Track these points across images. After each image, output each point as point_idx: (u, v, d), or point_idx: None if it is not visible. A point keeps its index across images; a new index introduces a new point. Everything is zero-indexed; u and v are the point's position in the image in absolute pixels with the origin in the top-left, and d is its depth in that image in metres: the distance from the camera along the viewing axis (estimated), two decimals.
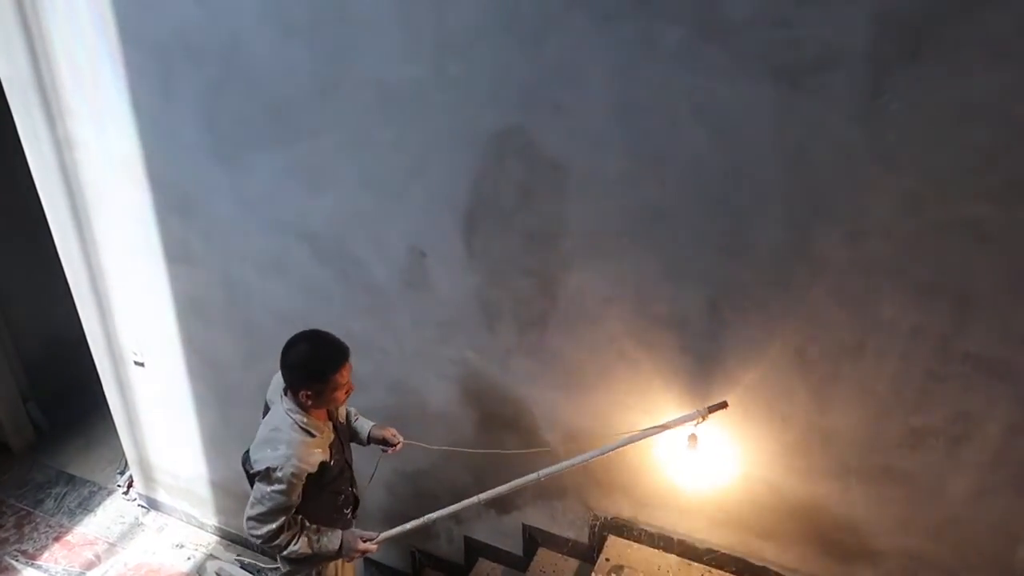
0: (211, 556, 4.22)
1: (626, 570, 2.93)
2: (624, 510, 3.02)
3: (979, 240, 1.99)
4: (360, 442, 2.77)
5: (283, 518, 2.38)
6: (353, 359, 3.18)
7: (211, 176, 3.02)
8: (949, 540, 2.48)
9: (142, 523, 4.47)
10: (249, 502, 2.40)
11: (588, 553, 3.15)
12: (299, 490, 2.36)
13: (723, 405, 2.49)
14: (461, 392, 3.05)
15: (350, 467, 2.65)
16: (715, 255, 2.32)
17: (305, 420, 2.39)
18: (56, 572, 4.12)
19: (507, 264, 2.65)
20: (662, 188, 2.29)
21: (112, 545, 4.31)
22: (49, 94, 3.18)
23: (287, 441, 2.35)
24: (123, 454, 4.44)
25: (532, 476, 2.57)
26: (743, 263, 2.30)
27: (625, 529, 3.05)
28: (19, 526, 4.42)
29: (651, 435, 2.54)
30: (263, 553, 4.04)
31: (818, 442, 2.48)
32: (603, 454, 2.55)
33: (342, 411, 2.68)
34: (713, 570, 2.92)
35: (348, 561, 2.68)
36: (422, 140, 2.56)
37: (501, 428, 3.04)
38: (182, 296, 3.47)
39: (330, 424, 2.52)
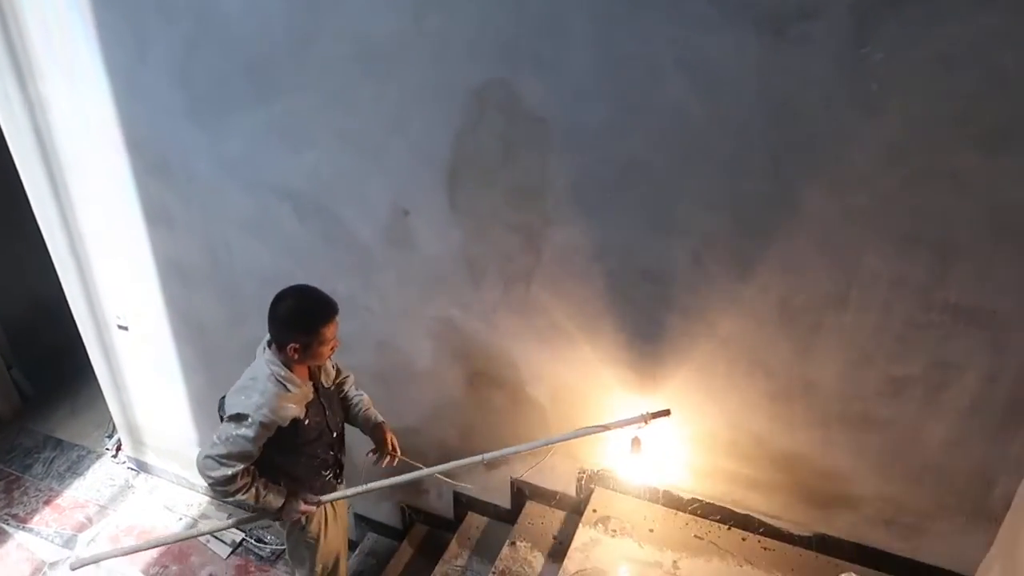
0: (202, 516, 4.26)
1: (613, 520, 2.99)
2: (611, 463, 3.07)
3: (960, 189, 2.00)
4: (363, 430, 2.79)
5: (241, 466, 2.39)
6: (339, 318, 3.21)
7: (188, 137, 2.97)
8: (927, 485, 2.54)
9: (132, 485, 4.49)
10: (211, 441, 2.41)
11: (576, 505, 3.21)
12: (262, 442, 2.39)
13: (665, 413, 2.62)
14: (447, 350, 3.06)
15: (332, 431, 2.66)
16: (699, 207, 2.32)
17: (283, 373, 2.41)
18: (48, 535, 4.15)
19: (491, 220, 2.64)
20: (645, 140, 2.27)
21: (103, 507, 4.33)
22: (19, 53, 3.10)
23: (261, 391, 2.38)
24: (110, 418, 4.45)
25: (476, 458, 2.65)
26: (727, 215, 2.30)
27: (611, 481, 3.10)
28: (8, 491, 4.43)
29: (594, 432, 2.65)
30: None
31: (800, 392, 2.52)
32: (546, 444, 2.69)
33: (327, 374, 2.68)
34: (698, 519, 2.98)
35: (288, 520, 2.66)
36: (402, 95, 2.52)
37: (488, 385, 3.06)
38: (163, 259, 3.44)
39: (310, 384, 2.53)
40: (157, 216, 3.29)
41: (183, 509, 4.30)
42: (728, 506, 2.92)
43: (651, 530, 2.95)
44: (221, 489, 2.44)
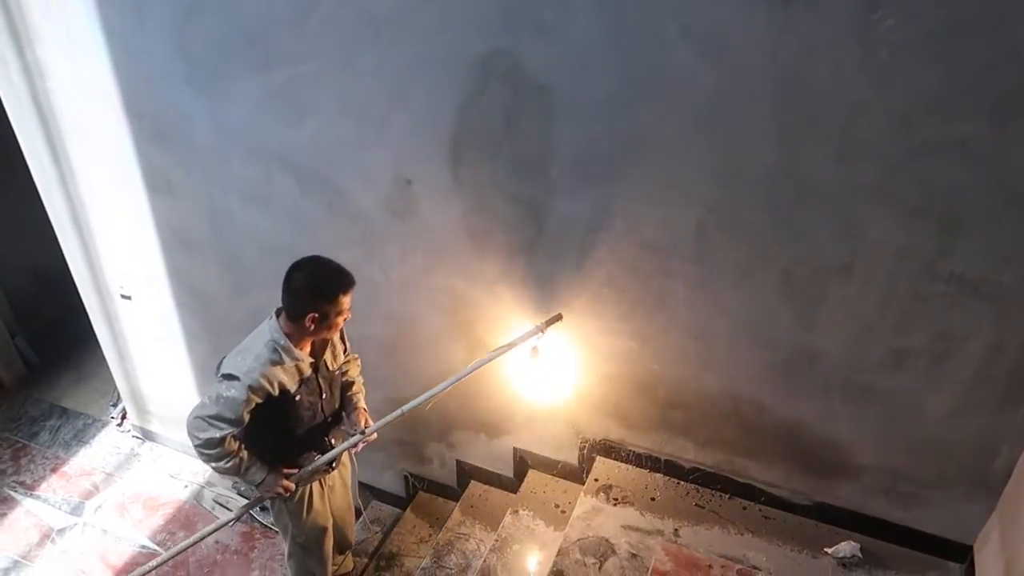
0: (207, 484, 4.30)
1: (614, 489, 3.01)
2: (612, 432, 3.08)
3: (967, 160, 1.97)
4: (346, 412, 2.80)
5: (228, 431, 2.40)
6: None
7: (189, 104, 2.94)
8: (928, 455, 2.55)
9: (138, 454, 4.53)
10: (200, 402, 2.43)
11: (577, 474, 3.23)
12: (251, 407, 2.39)
13: (558, 317, 2.70)
14: (450, 320, 3.06)
15: (326, 416, 2.68)
16: (703, 177, 2.30)
17: (282, 343, 2.41)
18: (55, 502, 4.19)
19: (493, 190, 2.62)
20: (650, 110, 2.25)
21: (109, 475, 4.37)
22: (15, 17, 3.06)
23: (256, 355, 2.39)
24: (115, 387, 4.47)
25: (396, 412, 2.68)
26: (731, 185, 2.28)
27: (613, 450, 3.11)
28: (15, 458, 4.47)
29: (501, 354, 2.69)
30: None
31: (803, 363, 2.52)
32: (458, 380, 2.69)
33: (335, 356, 2.67)
34: (699, 488, 3.00)
35: (267, 496, 2.70)
36: (405, 65, 2.49)
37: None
38: (165, 228, 3.43)
39: (309, 361, 2.51)
40: (158, 184, 3.27)
41: (188, 477, 4.34)
42: (729, 475, 2.94)
43: (652, 499, 2.97)
44: (207, 452, 2.45)
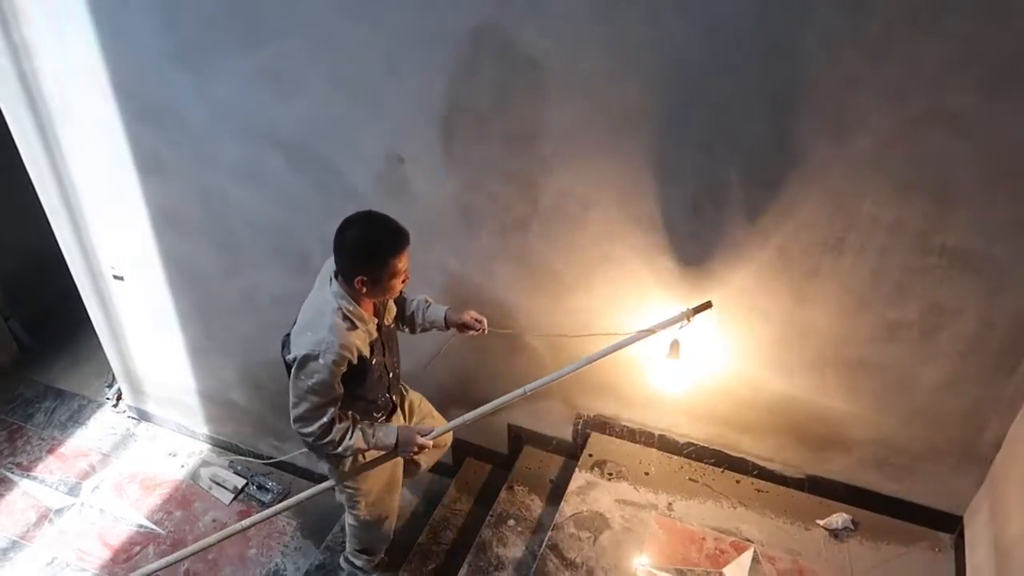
0: (204, 463, 4.31)
1: (609, 464, 3.04)
2: (607, 408, 3.10)
3: (959, 133, 1.97)
4: (439, 327, 2.59)
5: (331, 410, 2.28)
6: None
7: (177, 83, 2.91)
8: (919, 427, 2.57)
9: (134, 434, 4.54)
10: (291, 401, 2.30)
11: (572, 450, 3.25)
12: (339, 378, 2.26)
13: (707, 305, 2.49)
14: (445, 299, 3.05)
15: (389, 372, 2.53)
16: (698, 153, 2.29)
17: (351, 308, 2.25)
18: (52, 482, 4.20)
19: (487, 168, 2.61)
20: (643, 85, 2.23)
21: (106, 456, 4.38)
22: None
23: (330, 326, 2.21)
24: (110, 368, 4.47)
25: (518, 392, 2.55)
26: (725, 161, 2.27)
27: (607, 426, 3.13)
28: (11, 440, 4.48)
29: (639, 339, 2.52)
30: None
31: (796, 337, 2.53)
32: (591, 362, 2.52)
33: (390, 311, 2.50)
34: (692, 462, 3.03)
35: (405, 458, 2.59)
36: (395, 40, 2.47)
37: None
38: (156, 208, 3.40)
39: (375, 321, 2.36)
40: (148, 164, 3.25)
41: (184, 457, 4.36)
42: (722, 449, 2.97)
43: (646, 473, 3.00)
44: (324, 443, 2.32)
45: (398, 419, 2.71)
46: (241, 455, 4.33)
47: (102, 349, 4.33)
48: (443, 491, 3.50)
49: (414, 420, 2.81)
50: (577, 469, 3.04)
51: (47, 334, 5.19)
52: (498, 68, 2.37)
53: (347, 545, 3.07)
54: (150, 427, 4.58)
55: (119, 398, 4.66)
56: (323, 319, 2.23)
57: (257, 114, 2.86)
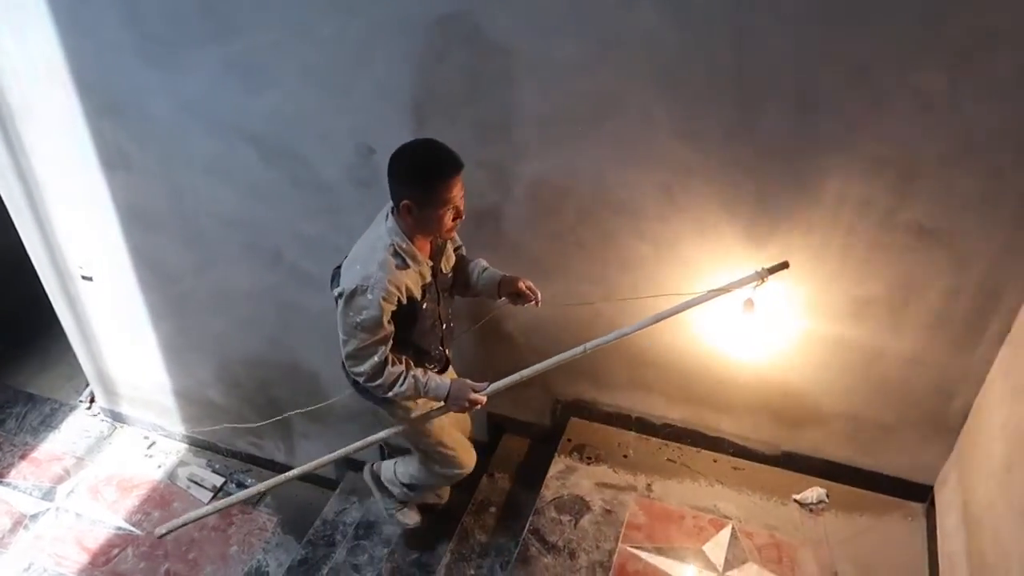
0: (182, 463, 4.27)
1: (587, 448, 3.06)
2: (585, 393, 3.13)
3: (924, 109, 2.01)
4: (490, 293, 2.48)
5: (382, 349, 2.20)
6: (307, 261, 3.18)
7: (141, 77, 2.87)
8: (889, 400, 2.63)
9: (108, 436, 4.48)
10: (341, 338, 2.24)
11: (551, 435, 3.27)
12: (389, 316, 2.17)
13: (784, 265, 2.35)
14: None
15: (443, 324, 2.45)
16: (668, 139, 2.31)
17: (404, 246, 2.16)
18: (26, 488, 4.14)
19: (459, 155, 2.61)
20: (615, 71, 2.25)
21: (80, 459, 4.33)
22: None
23: (380, 262, 2.13)
24: (82, 370, 4.40)
25: (578, 349, 2.41)
26: (696, 146, 2.30)
27: (585, 410, 3.16)
28: None
29: (715, 297, 2.36)
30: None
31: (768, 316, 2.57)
32: (660, 320, 2.38)
33: (448, 259, 2.40)
34: (670, 443, 3.07)
35: (456, 411, 2.47)
36: (364, 30, 2.45)
37: (464, 320, 3.07)
38: (124, 205, 3.36)
39: (430, 264, 2.27)
40: (114, 161, 3.20)
41: (161, 457, 4.32)
42: (699, 429, 3.01)
43: (625, 456, 3.03)
44: (375, 385, 2.25)
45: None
46: (221, 453, 4.30)
47: (72, 352, 4.27)
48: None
49: None
50: (556, 454, 3.06)
51: (15, 338, 5.09)
52: (469, 56, 2.37)
53: (385, 470, 2.92)
54: (125, 428, 4.52)
55: (92, 400, 4.60)
56: (374, 254, 2.15)
57: (225, 108, 2.83)
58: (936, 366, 2.48)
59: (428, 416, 2.50)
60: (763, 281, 2.33)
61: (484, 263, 2.51)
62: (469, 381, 2.37)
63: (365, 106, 2.62)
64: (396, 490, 2.94)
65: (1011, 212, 2.11)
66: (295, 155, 2.85)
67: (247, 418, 3.96)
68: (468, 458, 2.73)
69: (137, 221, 3.39)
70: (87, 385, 4.55)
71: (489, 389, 2.39)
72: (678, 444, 3.06)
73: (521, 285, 2.41)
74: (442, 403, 2.39)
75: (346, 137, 2.73)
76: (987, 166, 2.05)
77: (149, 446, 4.37)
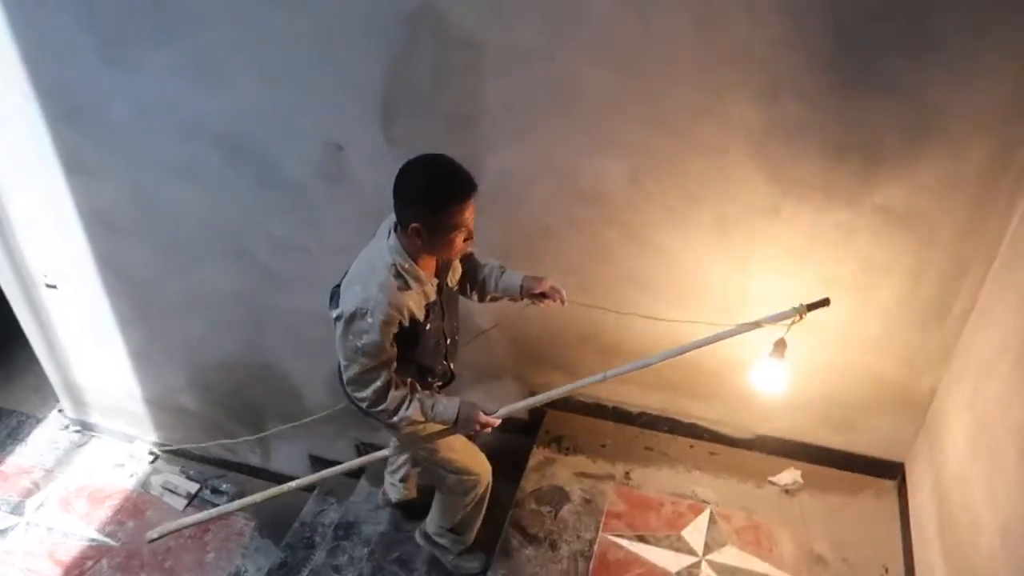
0: (155, 471, 4.21)
1: (565, 439, 3.08)
2: (560, 383, 3.12)
3: (886, 93, 2.04)
4: (511, 296, 2.35)
5: (384, 373, 2.09)
6: (277, 262, 3.14)
7: (100, 79, 2.81)
8: (859, 380, 2.67)
9: (77, 447, 4.40)
10: (341, 363, 2.13)
11: (529, 428, 3.28)
12: (390, 339, 2.05)
13: (826, 302, 2.24)
14: None
15: (447, 339, 2.32)
16: (634, 125, 2.33)
17: (406, 266, 2.03)
18: None
19: (428, 149, 2.59)
20: (579, 59, 2.25)
21: (49, 471, 4.24)
22: None
23: (380, 284, 2.00)
24: (48, 381, 4.32)
25: (597, 376, 2.38)
26: (661, 131, 2.31)
27: (562, 402, 3.17)
28: None
29: (747, 331, 2.28)
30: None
31: (737, 301, 2.60)
32: (682, 353, 2.33)
33: (454, 271, 2.29)
34: (646, 431, 3.09)
35: (464, 435, 2.37)
36: (327, 25, 2.43)
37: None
38: (87, 210, 3.30)
39: (435, 283, 2.15)
40: (75, 166, 3.14)
41: (133, 466, 4.25)
42: (675, 416, 3.04)
43: (603, 445, 3.05)
44: (378, 410, 2.14)
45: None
46: (194, 460, 4.24)
47: (38, 362, 4.18)
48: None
49: None
50: (535, 446, 3.07)
51: None
52: (434, 48, 2.36)
53: (430, 524, 2.78)
54: (95, 438, 4.44)
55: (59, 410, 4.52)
56: (374, 275, 2.02)
57: (188, 109, 2.79)
58: (903, 345, 2.53)
59: (432, 437, 2.36)
60: (801, 318, 2.20)
61: (499, 264, 2.38)
62: (479, 404, 2.25)
63: (331, 102, 2.60)
64: (447, 541, 2.77)
65: (970, 195, 2.15)
66: (261, 154, 2.82)
67: (221, 423, 3.92)
68: (476, 464, 2.55)
69: (102, 227, 3.33)
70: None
71: (501, 412, 2.30)
72: (654, 432, 3.09)
73: (546, 286, 2.30)
74: (451, 426, 2.26)
75: (313, 135, 2.70)
76: (948, 149, 2.09)
77: (120, 464, 4.29)
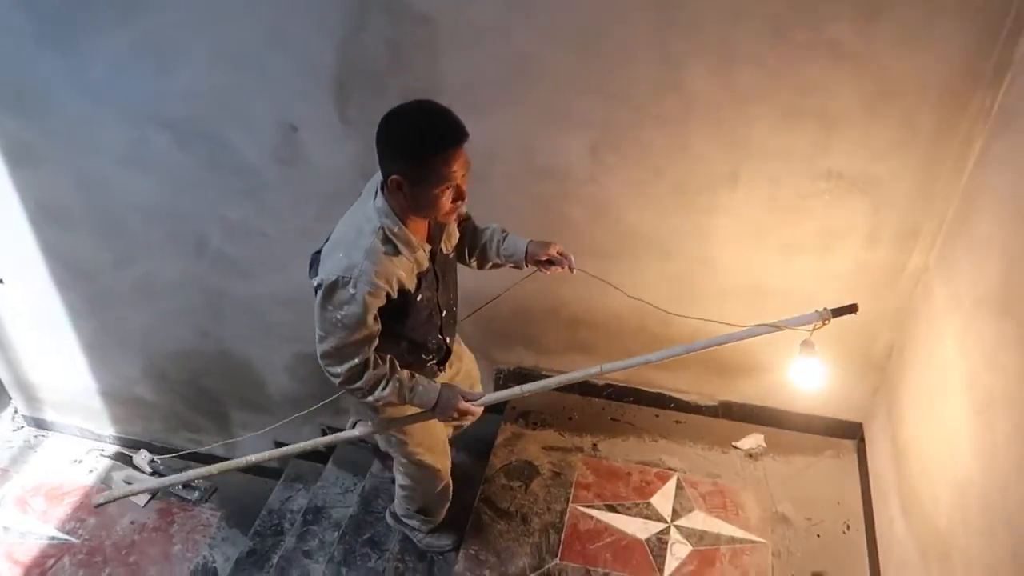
0: (115, 467, 4.13)
1: (532, 414, 3.09)
2: (525, 360, 3.15)
3: (839, 59, 2.07)
4: (515, 263, 2.19)
5: (364, 350, 1.91)
6: (232, 247, 3.08)
7: (42, 64, 2.71)
8: (819, 342, 2.72)
9: (33, 445, 4.29)
10: (317, 333, 1.93)
11: (496, 406, 3.28)
12: (375, 312, 1.88)
13: (853, 308, 2.14)
14: None
15: (442, 311, 2.13)
16: (592, 99, 2.33)
17: (396, 229, 1.84)
18: None
19: None
20: (536, 34, 2.24)
21: (4, 471, 4.14)
22: None
23: (366, 249, 1.82)
24: None
25: (594, 369, 2.24)
26: (620, 104, 2.32)
27: (528, 378, 3.18)
28: None
29: (765, 333, 2.19)
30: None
31: (698, 272, 2.63)
32: (689, 352, 2.24)
33: (449, 236, 2.10)
34: (613, 402, 3.13)
35: (443, 422, 2.26)
36: (276, 3, 2.38)
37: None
38: (32, 203, 3.19)
39: (428, 249, 1.97)
40: (18, 156, 3.03)
41: (92, 462, 4.16)
42: (640, 387, 3.08)
43: (570, 418, 3.08)
44: (357, 387, 1.95)
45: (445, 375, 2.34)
46: (156, 453, 4.15)
47: None
48: (369, 463, 3.46)
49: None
50: (503, 422, 3.08)
51: None
52: (388, 24, 2.33)
53: (398, 507, 2.73)
54: (51, 435, 4.33)
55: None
56: (360, 239, 1.84)
57: (136, 93, 2.71)
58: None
59: (405, 421, 2.24)
60: (825, 323, 2.11)
61: (500, 228, 2.21)
62: (461, 388, 2.14)
63: (284, 83, 2.55)
64: (416, 522, 2.77)
65: (920, 157, 2.20)
66: (213, 137, 2.75)
67: (180, 412, 3.86)
68: (438, 461, 2.49)
69: (48, 218, 3.23)
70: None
71: (483, 400, 2.16)
72: (620, 403, 3.12)
73: (553, 251, 2.14)
74: (428, 410, 2.12)
75: (266, 116, 2.65)
76: (898, 114, 2.14)
77: (78, 460, 4.19)
